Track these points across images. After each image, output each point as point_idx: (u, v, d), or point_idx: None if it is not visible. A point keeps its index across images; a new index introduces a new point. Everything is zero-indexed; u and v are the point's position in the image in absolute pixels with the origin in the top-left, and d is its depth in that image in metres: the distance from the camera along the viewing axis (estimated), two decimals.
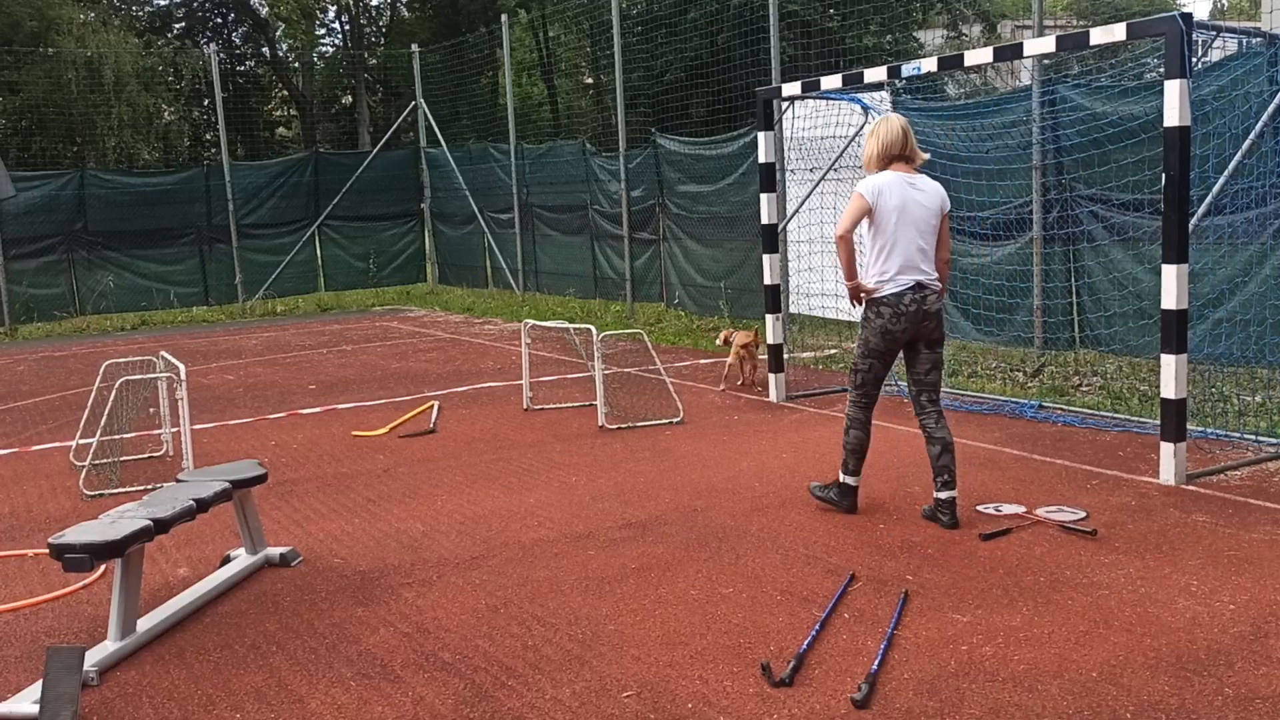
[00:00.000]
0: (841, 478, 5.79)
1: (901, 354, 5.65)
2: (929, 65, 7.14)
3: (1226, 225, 7.68)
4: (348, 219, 19.79)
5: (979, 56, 7.07)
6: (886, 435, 7.53)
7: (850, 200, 5.52)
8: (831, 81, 7.96)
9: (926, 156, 5.70)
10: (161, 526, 4.45)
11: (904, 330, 5.44)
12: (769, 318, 8.80)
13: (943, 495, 5.48)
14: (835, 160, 10.03)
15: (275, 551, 5.35)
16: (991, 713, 3.51)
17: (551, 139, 20.91)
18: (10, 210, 16.72)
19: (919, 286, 5.41)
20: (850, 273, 5.50)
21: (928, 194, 5.47)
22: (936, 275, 5.50)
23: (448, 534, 5.72)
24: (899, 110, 9.86)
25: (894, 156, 5.51)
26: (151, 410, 8.51)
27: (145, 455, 7.87)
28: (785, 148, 10.48)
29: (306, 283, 19.73)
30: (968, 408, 8.25)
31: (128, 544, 4.21)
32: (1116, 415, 7.72)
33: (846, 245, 5.45)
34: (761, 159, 8.70)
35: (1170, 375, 6.02)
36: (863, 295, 5.53)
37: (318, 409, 9.49)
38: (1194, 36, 5.97)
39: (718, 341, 10.27)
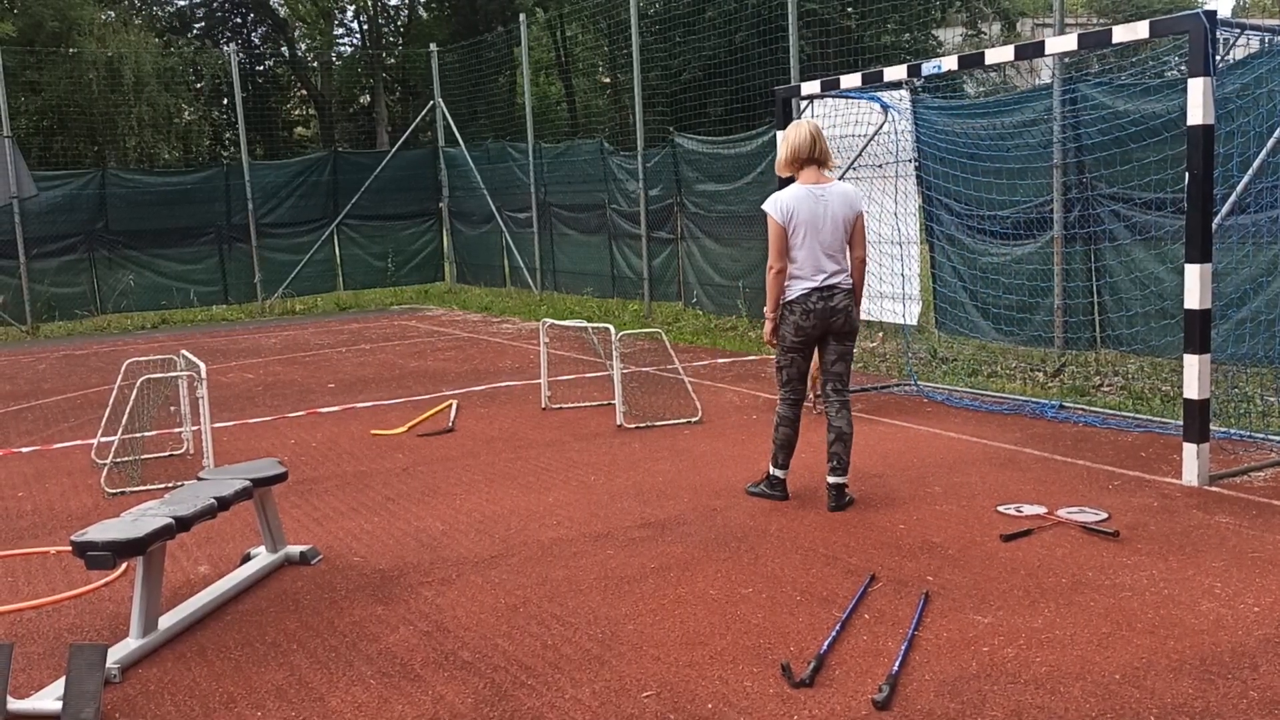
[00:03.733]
0: (771, 470, 6.12)
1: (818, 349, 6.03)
2: (950, 64, 7.11)
3: (1250, 224, 7.61)
4: (366, 218, 19.84)
5: (1001, 55, 7.03)
6: (906, 435, 7.51)
7: (769, 227, 5.85)
8: (851, 80, 7.94)
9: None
10: (183, 524, 4.47)
11: (814, 326, 5.83)
12: None
13: (830, 479, 5.87)
14: (854, 159, 9.99)
15: (295, 550, 5.37)
16: (1013, 715, 3.49)
17: (569, 138, 20.93)
18: (32, 209, 16.83)
19: (826, 288, 5.78)
20: (774, 305, 5.90)
21: (835, 203, 5.80)
22: (846, 275, 5.84)
23: (467, 533, 5.73)
24: (918, 108, 9.83)
25: (804, 160, 5.85)
26: (172, 408, 8.55)
27: (166, 453, 7.91)
28: None
29: (325, 282, 19.79)
30: (988, 407, 8.21)
31: (150, 542, 4.23)
32: (1138, 415, 7.67)
33: (782, 279, 5.84)
34: None
35: (1193, 375, 5.97)
36: (770, 334, 6.00)
37: (337, 408, 9.52)
38: (1217, 34, 5.92)
39: None
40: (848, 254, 5.88)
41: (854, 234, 5.86)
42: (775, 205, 5.82)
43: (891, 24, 22.71)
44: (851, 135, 10.02)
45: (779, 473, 6.08)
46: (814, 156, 5.83)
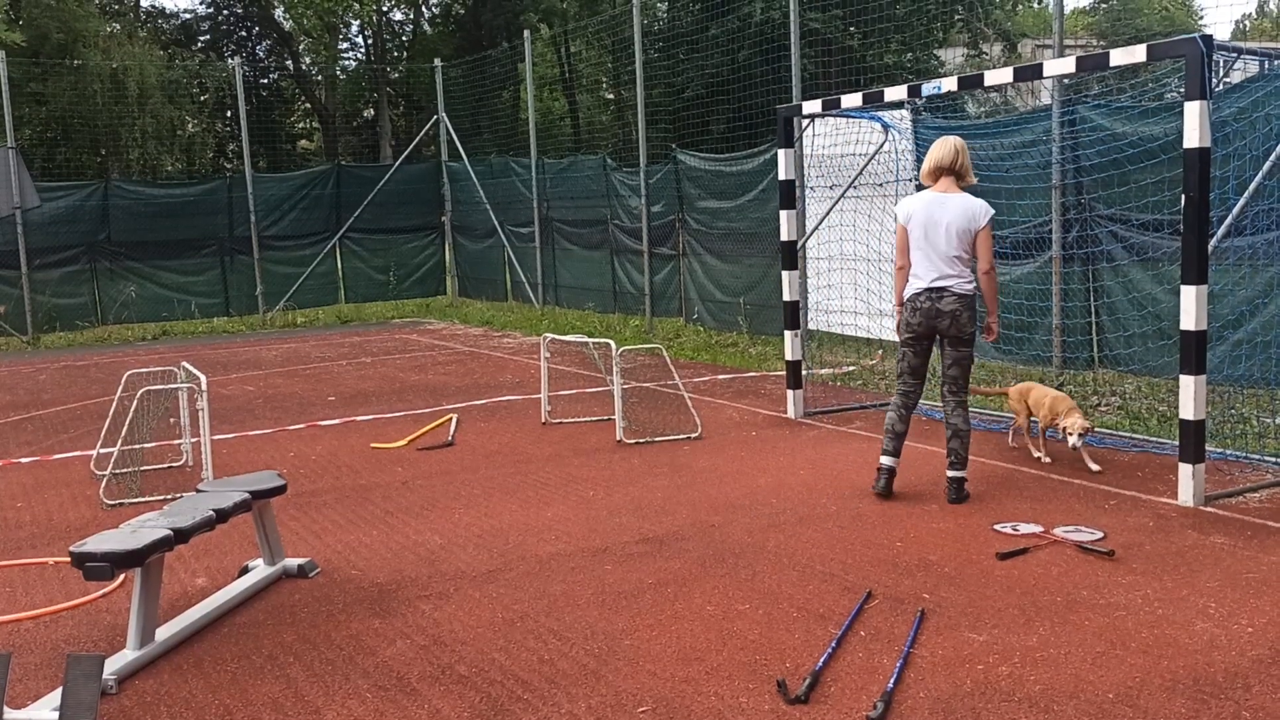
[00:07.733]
0: (880, 459, 6.40)
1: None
2: (949, 84, 7.16)
3: (1247, 246, 7.65)
4: (369, 231, 19.89)
5: (999, 76, 7.07)
6: (904, 454, 7.51)
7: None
8: (852, 100, 7.98)
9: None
10: (181, 536, 4.48)
11: (920, 324, 6.21)
12: (787, 334, 8.81)
13: (948, 474, 6.27)
14: (855, 178, 10.05)
15: (293, 563, 5.38)
16: None
17: (572, 153, 21.02)
18: (35, 220, 16.89)
19: (936, 289, 6.14)
20: (899, 300, 6.37)
21: (954, 212, 6.13)
22: (964, 281, 6.14)
23: (465, 547, 5.74)
24: (919, 128, 9.88)
25: (943, 171, 6.25)
26: (172, 420, 8.57)
27: (165, 465, 7.92)
28: (805, 165, 10.50)
29: (327, 295, 19.83)
30: (985, 426, 8.22)
31: (148, 553, 4.24)
32: (1135, 435, 7.68)
33: (904, 275, 6.32)
34: (782, 176, 8.73)
35: (1189, 396, 5.99)
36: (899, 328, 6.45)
37: (337, 421, 9.54)
38: (1215, 58, 5.96)
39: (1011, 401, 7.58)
40: (971, 263, 6.19)
41: (976, 248, 6.16)
42: (900, 206, 6.33)
43: (894, 44, 22.81)
44: (852, 154, 10.09)
45: (884, 459, 6.34)
46: (953, 168, 6.22)
